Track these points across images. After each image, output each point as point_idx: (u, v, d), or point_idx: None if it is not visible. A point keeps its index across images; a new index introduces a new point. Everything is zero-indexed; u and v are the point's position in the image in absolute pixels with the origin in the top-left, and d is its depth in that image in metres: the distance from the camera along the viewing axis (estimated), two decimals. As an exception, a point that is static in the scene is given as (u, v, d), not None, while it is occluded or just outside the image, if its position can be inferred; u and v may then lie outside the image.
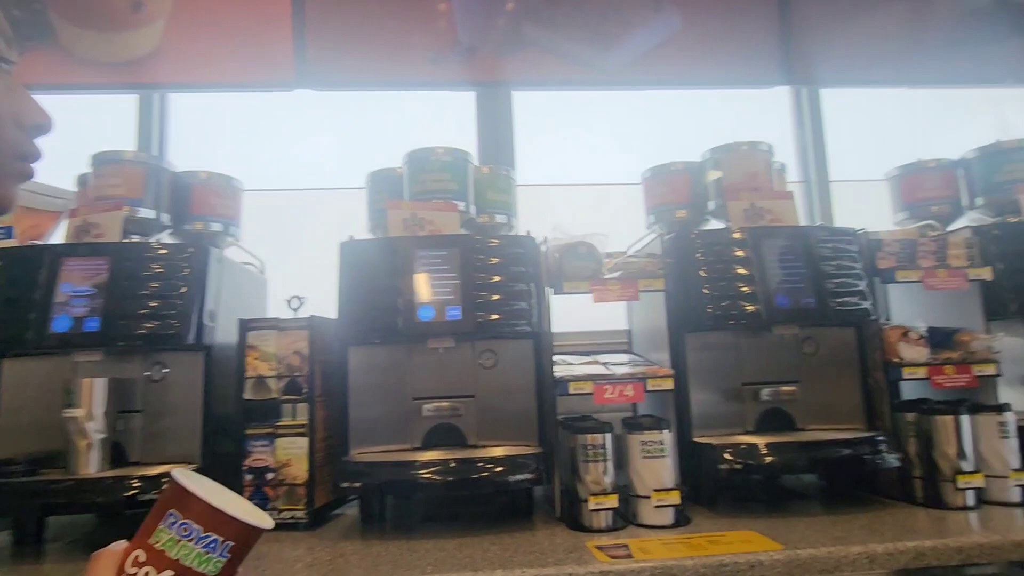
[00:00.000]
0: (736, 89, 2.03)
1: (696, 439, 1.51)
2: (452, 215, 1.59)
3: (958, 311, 1.67)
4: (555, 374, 1.48)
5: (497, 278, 1.49)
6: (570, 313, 1.96)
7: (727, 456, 1.41)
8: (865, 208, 2.23)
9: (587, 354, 1.78)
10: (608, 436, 1.37)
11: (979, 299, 1.60)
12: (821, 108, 2.49)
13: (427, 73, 2.16)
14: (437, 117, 2.39)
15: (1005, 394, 1.59)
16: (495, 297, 1.47)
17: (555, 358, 1.60)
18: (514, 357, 1.57)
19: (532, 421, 1.54)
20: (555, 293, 1.52)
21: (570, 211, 2.35)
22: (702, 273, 1.53)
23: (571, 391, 1.45)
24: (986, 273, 1.55)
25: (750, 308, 1.48)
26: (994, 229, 1.63)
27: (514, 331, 1.48)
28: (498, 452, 1.45)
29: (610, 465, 1.36)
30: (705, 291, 1.51)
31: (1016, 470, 1.41)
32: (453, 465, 1.36)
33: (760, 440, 1.46)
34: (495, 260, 1.51)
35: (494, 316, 1.45)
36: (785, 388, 1.56)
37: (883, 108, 2.57)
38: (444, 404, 1.51)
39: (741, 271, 1.51)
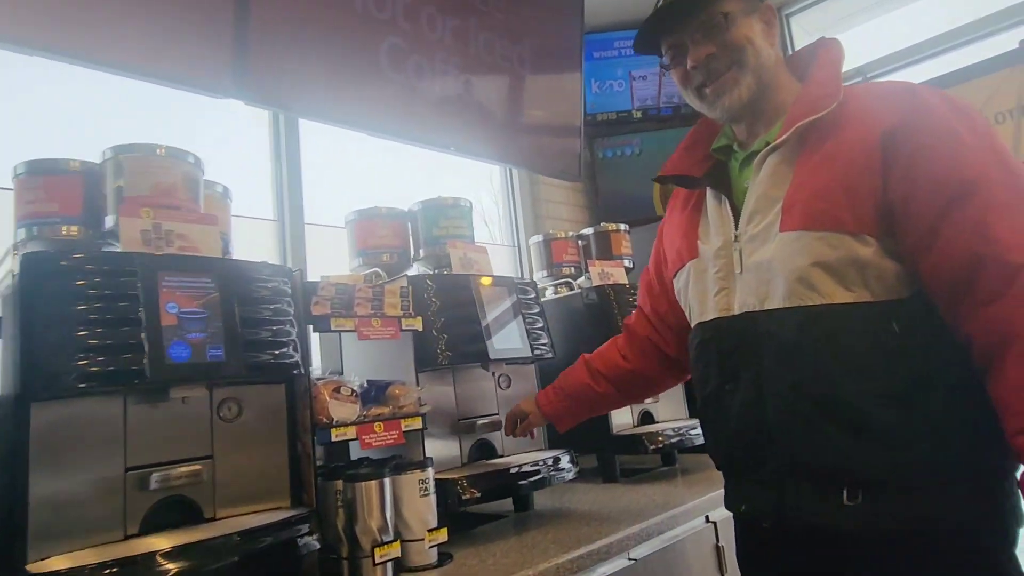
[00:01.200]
0: (184, 89, 1.66)
1: (30, 567, 0.99)
2: None
3: (398, 362, 1.62)
4: None
5: None
6: None
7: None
8: (339, 255, 2.12)
9: None
10: None
11: (411, 350, 1.57)
12: (300, 144, 2.33)
13: None
14: None
15: (431, 446, 1.58)
16: None
17: None
18: None
19: None
20: None
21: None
22: (79, 309, 1.06)
23: None
24: (417, 323, 1.53)
25: (135, 364, 1.07)
26: (428, 279, 1.64)
27: None
28: None
29: None
30: (81, 334, 1.05)
31: (432, 530, 1.36)
32: None
33: (143, 545, 1.05)
34: None
35: None
36: (187, 468, 1.19)
37: (371, 156, 2.59)
38: None
39: (123, 312, 1.10)
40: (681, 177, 1.25)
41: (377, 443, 1.37)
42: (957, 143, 0.94)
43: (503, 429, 1.67)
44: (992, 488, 0.95)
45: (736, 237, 1.11)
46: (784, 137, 1.04)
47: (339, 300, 1.40)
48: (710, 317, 1.16)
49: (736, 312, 1.10)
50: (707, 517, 1.75)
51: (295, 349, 1.31)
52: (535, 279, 2.48)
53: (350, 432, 1.34)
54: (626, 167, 3.40)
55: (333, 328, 1.38)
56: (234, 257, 1.51)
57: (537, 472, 1.67)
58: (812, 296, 0.99)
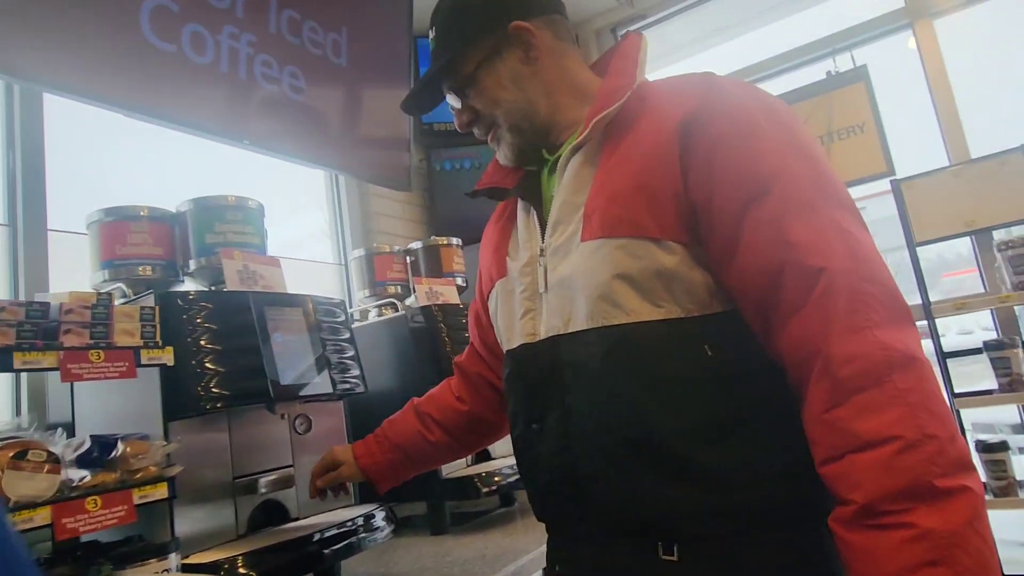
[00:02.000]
0: None
1: None
2: None
3: (150, 409, 1.22)
4: None
5: None
6: None
7: None
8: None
9: None
10: None
11: (158, 391, 1.18)
12: (43, 125, 1.82)
13: None
14: None
15: (194, 517, 1.20)
16: None
17: None
18: None
19: None
20: None
21: None
22: None
23: None
24: (167, 356, 1.15)
25: None
26: (188, 297, 1.26)
27: None
28: None
29: None
30: None
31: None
32: None
33: None
34: None
35: None
36: None
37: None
38: None
39: None
40: (493, 189, 1.10)
41: (86, 528, 0.97)
42: (755, 133, 0.82)
43: (310, 489, 1.32)
44: (830, 538, 0.79)
45: (542, 251, 0.95)
46: (584, 135, 0.90)
47: (32, 327, 0.99)
48: (516, 344, 0.98)
49: (542, 336, 0.93)
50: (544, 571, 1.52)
51: (-50, 399, 0.89)
52: (358, 299, 2.17)
53: (41, 515, 0.94)
54: (464, 181, 3.18)
55: (18, 366, 0.96)
56: None
57: (342, 537, 1.35)
58: (616, 314, 0.84)
